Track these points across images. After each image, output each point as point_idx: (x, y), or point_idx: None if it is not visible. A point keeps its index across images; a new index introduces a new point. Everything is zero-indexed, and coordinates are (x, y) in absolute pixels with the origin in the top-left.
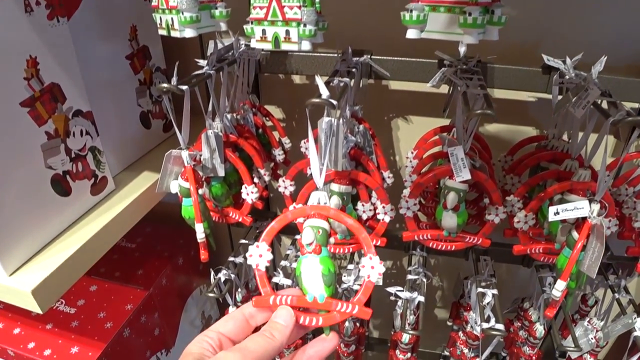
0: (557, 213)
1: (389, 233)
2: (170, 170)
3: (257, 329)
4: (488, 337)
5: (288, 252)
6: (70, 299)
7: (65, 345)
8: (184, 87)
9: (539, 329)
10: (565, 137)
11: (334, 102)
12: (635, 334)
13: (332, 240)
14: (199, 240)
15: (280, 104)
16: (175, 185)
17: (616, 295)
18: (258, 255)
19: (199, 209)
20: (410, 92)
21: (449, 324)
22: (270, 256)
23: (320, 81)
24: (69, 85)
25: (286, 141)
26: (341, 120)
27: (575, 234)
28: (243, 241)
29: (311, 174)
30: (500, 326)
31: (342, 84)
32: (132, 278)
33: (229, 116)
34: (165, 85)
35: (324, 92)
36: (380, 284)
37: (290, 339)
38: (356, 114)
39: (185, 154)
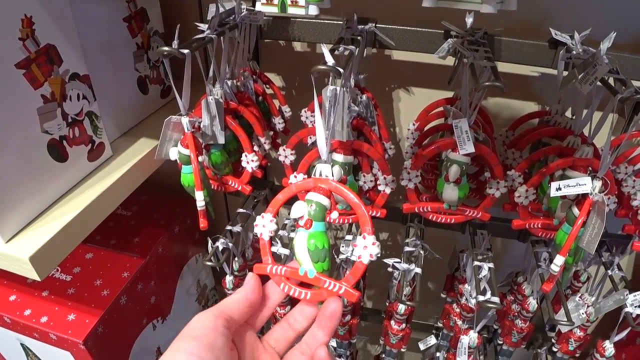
0: (559, 189)
1: (388, 205)
2: (170, 137)
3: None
4: (482, 309)
5: (286, 222)
6: (66, 267)
7: (61, 312)
8: (185, 51)
9: (532, 303)
10: (568, 113)
11: (341, 70)
12: (626, 309)
13: (334, 215)
14: (198, 208)
15: (280, 71)
16: (174, 152)
17: (609, 272)
18: (262, 225)
19: (199, 177)
20: (413, 63)
21: (443, 296)
22: (274, 227)
23: (325, 49)
24: (65, 47)
25: (286, 109)
26: (346, 89)
27: (575, 210)
28: (240, 210)
29: (311, 144)
30: (496, 299)
31: (347, 52)
32: (128, 246)
33: (229, 82)
34: (166, 48)
35: (330, 60)
36: (379, 255)
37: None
38: (359, 83)
39: (185, 120)
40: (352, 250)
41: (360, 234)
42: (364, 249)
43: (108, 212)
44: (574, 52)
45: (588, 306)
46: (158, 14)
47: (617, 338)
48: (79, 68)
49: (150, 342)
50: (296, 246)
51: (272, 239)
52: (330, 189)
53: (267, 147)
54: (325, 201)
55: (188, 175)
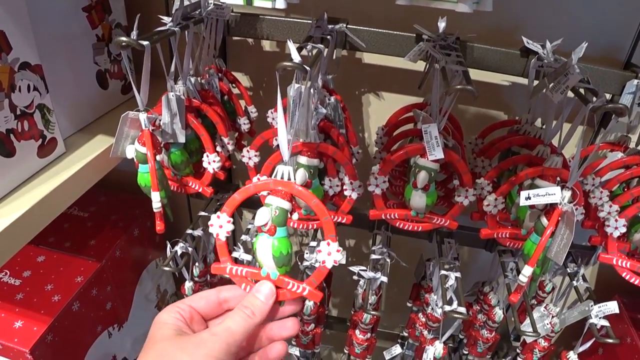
0: (528, 198)
1: (354, 211)
2: (127, 134)
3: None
4: (448, 319)
5: (249, 226)
6: (15, 270)
7: (8, 319)
8: (145, 43)
9: (498, 313)
10: (537, 123)
11: (307, 67)
12: (590, 321)
13: (295, 216)
14: (154, 210)
15: (247, 70)
16: (131, 150)
17: (574, 282)
18: (218, 225)
19: (156, 177)
20: (383, 67)
21: (409, 305)
22: (231, 227)
23: (292, 45)
24: (15, 33)
25: (252, 110)
26: (312, 89)
27: (544, 220)
28: (202, 213)
29: (277, 145)
30: (462, 309)
31: (315, 51)
32: (83, 249)
33: (192, 80)
34: (124, 38)
35: (296, 57)
36: (344, 262)
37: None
38: (328, 84)
39: (143, 117)
40: (317, 256)
41: (325, 240)
42: (328, 255)
43: (57, 213)
44: (545, 61)
45: (553, 317)
46: (121, 5)
47: (581, 349)
48: (30, 57)
49: (105, 350)
50: (259, 251)
51: (234, 244)
52: (292, 192)
53: (230, 148)
54: (287, 205)
55: (145, 175)
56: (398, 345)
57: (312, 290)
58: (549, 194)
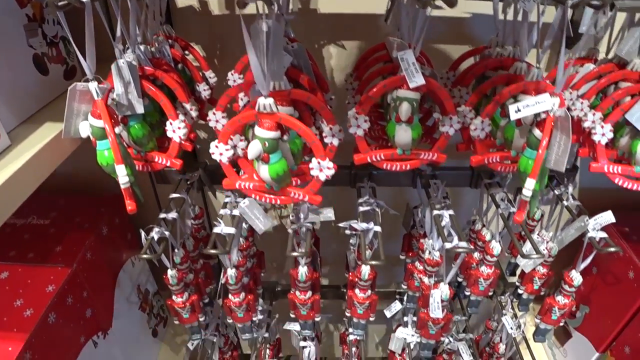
0: (518, 110)
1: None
2: (77, 110)
3: None
4: (447, 260)
5: (226, 200)
6: None
7: None
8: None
9: (496, 247)
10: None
11: None
12: (589, 235)
13: (286, 137)
14: (122, 187)
15: (198, 39)
16: (85, 127)
17: (564, 202)
18: (219, 153)
19: (119, 150)
20: (340, 15)
21: (402, 257)
22: (231, 152)
23: None
24: None
25: (211, 75)
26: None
27: (537, 132)
28: (174, 195)
29: (245, 103)
30: (464, 244)
31: None
32: (50, 257)
33: (142, 47)
34: None
35: None
36: (333, 218)
37: None
38: (287, 33)
39: (93, 86)
40: (310, 173)
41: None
42: (320, 171)
43: (9, 213)
44: None
45: (547, 242)
46: None
47: (583, 265)
48: None
49: None
50: (260, 174)
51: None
52: (277, 121)
53: (193, 114)
54: (274, 134)
55: (105, 152)
56: (397, 301)
57: (312, 196)
58: (539, 102)
